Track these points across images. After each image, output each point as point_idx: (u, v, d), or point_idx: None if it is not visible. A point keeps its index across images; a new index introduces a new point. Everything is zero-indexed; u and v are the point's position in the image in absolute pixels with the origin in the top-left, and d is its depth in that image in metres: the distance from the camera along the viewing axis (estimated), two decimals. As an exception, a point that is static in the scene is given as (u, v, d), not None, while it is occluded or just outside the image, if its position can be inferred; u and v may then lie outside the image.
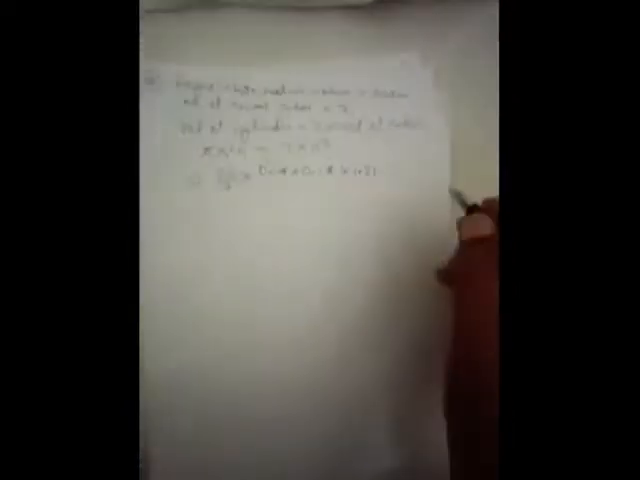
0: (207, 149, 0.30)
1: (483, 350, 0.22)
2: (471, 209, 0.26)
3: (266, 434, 0.28)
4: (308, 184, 0.30)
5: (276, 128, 0.30)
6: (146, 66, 0.29)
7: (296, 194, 0.30)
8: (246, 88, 0.30)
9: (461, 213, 0.26)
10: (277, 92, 0.31)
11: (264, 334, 0.29)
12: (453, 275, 0.25)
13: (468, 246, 0.24)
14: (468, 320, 0.23)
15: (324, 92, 0.31)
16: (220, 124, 0.30)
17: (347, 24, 0.32)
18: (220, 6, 0.30)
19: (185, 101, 0.30)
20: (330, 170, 0.30)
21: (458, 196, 0.26)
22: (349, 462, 0.29)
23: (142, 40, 0.29)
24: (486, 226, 0.24)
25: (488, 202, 0.25)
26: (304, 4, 0.30)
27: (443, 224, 0.31)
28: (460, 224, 0.25)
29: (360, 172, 0.31)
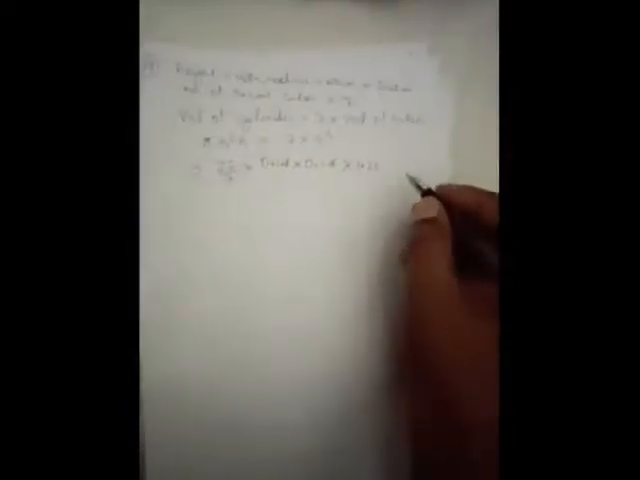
0: (207, 139, 0.29)
1: (429, 329, 0.23)
2: (425, 193, 0.27)
3: (265, 440, 0.28)
4: (310, 177, 0.30)
5: (279, 118, 0.29)
6: (145, 50, 0.28)
7: (298, 187, 0.29)
8: (249, 76, 0.29)
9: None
10: (280, 81, 0.30)
11: (264, 334, 0.28)
12: (406, 254, 0.27)
13: (416, 226, 0.26)
14: (418, 296, 0.24)
15: (328, 83, 0.30)
16: (221, 113, 0.29)
17: (355, 13, 0.31)
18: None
19: (185, 88, 0.29)
20: (333, 163, 0.30)
21: (413, 181, 0.28)
22: (348, 469, 0.29)
23: (141, 21, 0.28)
24: (433, 208, 0.26)
25: (441, 188, 0.27)
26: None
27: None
28: (413, 208, 0.27)
29: (363, 166, 0.30)
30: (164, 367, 0.27)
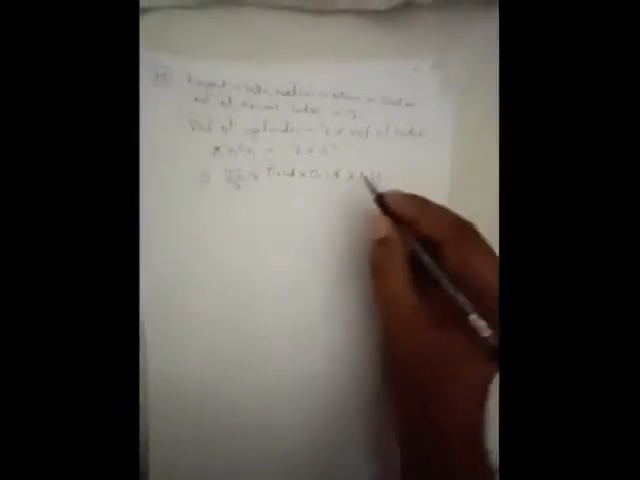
0: (217, 148, 0.30)
1: (395, 345, 0.25)
2: (378, 197, 0.27)
3: (266, 438, 0.29)
4: (315, 187, 0.31)
5: (285, 130, 0.30)
6: (157, 61, 0.29)
7: (303, 196, 0.30)
8: (258, 88, 0.30)
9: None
10: (288, 93, 0.31)
11: (265, 338, 0.29)
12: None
13: (374, 246, 0.27)
14: (382, 315, 0.26)
15: (334, 96, 0.31)
16: (230, 123, 0.30)
17: (361, 29, 0.31)
18: (236, 4, 0.30)
19: (196, 98, 0.30)
20: (337, 174, 0.31)
21: (369, 185, 0.28)
22: (341, 468, 0.30)
23: (154, 34, 0.29)
24: (383, 228, 0.26)
25: (388, 195, 0.27)
26: (319, 7, 0.30)
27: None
28: (366, 219, 0.27)
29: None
30: (165, 367, 0.28)
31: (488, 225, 0.26)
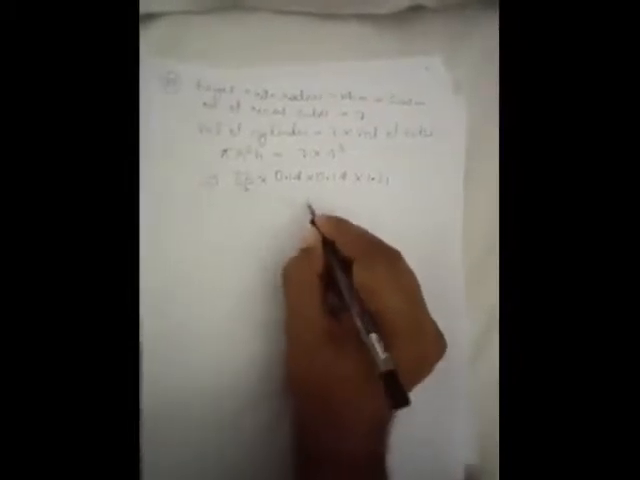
0: (225, 151, 0.30)
1: (292, 354, 0.26)
2: (312, 221, 0.28)
3: (264, 443, 0.29)
4: (322, 190, 0.31)
5: (292, 133, 0.31)
6: (167, 67, 0.30)
7: (310, 199, 0.31)
8: (265, 92, 0.31)
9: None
10: (295, 98, 0.31)
11: (266, 342, 0.29)
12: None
13: (296, 253, 0.27)
14: (285, 324, 0.26)
15: (342, 97, 0.31)
16: (239, 128, 0.30)
17: (368, 31, 0.31)
18: (243, 10, 0.30)
19: (204, 103, 0.30)
20: (344, 176, 0.31)
21: (309, 209, 0.29)
22: None
23: (163, 41, 0.30)
24: (310, 240, 0.27)
25: (317, 218, 0.28)
26: (325, 11, 0.30)
27: (456, 231, 0.32)
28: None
29: (374, 179, 0.31)
30: (162, 370, 0.28)
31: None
